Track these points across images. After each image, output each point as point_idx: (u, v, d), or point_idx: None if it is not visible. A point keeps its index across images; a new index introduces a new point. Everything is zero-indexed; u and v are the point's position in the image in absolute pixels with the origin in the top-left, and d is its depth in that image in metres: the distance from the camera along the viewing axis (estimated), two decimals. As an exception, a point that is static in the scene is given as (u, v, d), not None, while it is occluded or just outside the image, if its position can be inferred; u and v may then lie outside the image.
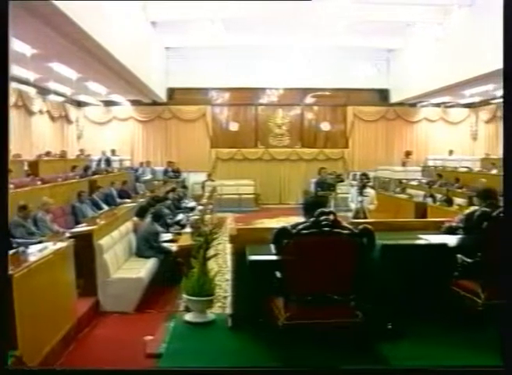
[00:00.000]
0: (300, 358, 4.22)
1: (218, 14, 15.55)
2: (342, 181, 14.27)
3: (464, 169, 18.32)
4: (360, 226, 4.14)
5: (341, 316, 4.18)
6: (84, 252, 6.34)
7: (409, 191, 16.02)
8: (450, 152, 21.80)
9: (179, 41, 19.28)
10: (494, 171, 16.55)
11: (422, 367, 3.89)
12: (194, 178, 20.51)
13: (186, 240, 8.88)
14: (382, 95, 22.74)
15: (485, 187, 6.11)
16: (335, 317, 4.17)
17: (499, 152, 20.21)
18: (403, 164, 21.73)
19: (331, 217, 4.02)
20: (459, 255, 4.56)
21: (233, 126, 21.63)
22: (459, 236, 4.85)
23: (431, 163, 21.34)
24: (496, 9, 13.86)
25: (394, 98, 22.34)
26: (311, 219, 4.03)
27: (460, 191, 14.15)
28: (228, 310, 5.76)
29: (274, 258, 4.18)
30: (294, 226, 4.05)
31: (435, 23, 17.26)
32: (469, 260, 4.44)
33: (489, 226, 4.19)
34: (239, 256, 5.03)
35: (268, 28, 17.86)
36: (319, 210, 4.02)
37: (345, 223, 4.27)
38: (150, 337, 5.15)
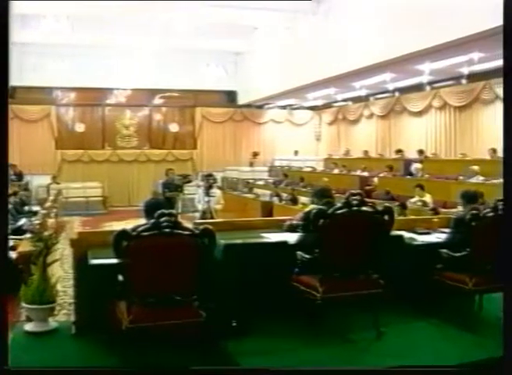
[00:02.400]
0: (145, 360, 4.17)
1: (64, 10, 15.01)
2: (189, 182, 14.31)
3: (309, 169, 19.04)
4: (202, 227, 4.16)
5: (185, 317, 4.18)
6: None
7: (256, 190, 16.37)
8: (296, 153, 22.53)
9: (19, 37, 18.36)
10: (336, 171, 17.38)
11: (422, 367, 3.99)
12: (38, 181, 19.59)
13: (26, 246, 8.46)
14: (230, 97, 23.07)
15: (322, 187, 6.39)
16: (178, 318, 4.16)
17: (340, 152, 21.26)
18: (251, 164, 22.17)
19: (172, 218, 4.00)
20: (299, 252, 4.71)
21: (79, 127, 20.99)
22: (299, 233, 5.01)
23: (277, 163, 21.96)
24: (338, 18, 14.57)
25: (242, 99, 22.74)
26: (151, 221, 4.00)
27: (304, 189, 14.68)
28: (72, 317, 5.57)
29: (115, 261, 4.09)
30: (134, 228, 3.99)
31: (281, 28, 17.78)
32: (308, 256, 4.60)
33: (325, 223, 4.37)
34: (81, 261, 4.87)
35: (116, 27, 17.55)
36: (159, 211, 3.99)
37: (186, 224, 4.28)
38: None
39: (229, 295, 4.62)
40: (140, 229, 3.98)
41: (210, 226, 4.19)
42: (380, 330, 4.71)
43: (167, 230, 3.98)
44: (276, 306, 4.88)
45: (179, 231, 4.03)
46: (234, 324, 4.73)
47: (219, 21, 17.25)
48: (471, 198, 5.62)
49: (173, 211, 4.15)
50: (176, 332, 4.31)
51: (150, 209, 4.36)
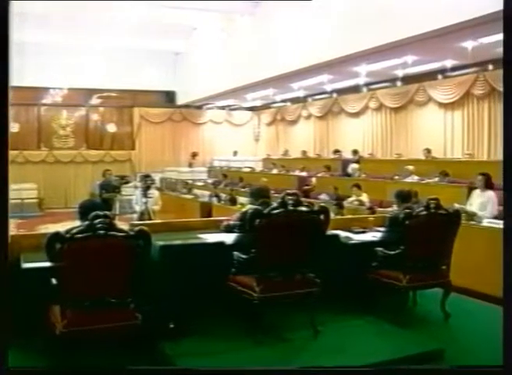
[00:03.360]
0: (81, 364, 4.09)
1: None
2: (127, 183, 14.15)
3: (248, 169, 19.08)
4: (137, 228, 4.11)
5: (120, 319, 4.12)
6: None
7: (195, 191, 16.31)
8: (235, 153, 22.58)
9: None
10: (274, 171, 17.47)
11: (422, 367, 4.01)
12: (-30, 183, 18.99)
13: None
14: (169, 97, 22.95)
15: (258, 187, 6.40)
16: (114, 321, 4.10)
17: (279, 153, 21.41)
18: (190, 165, 22.10)
19: (106, 220, 3.94)
20: (236, 253, 4.71)
21: (13, 127, 20.40)
22: (236, 234, 5.02)
23: (216, 164, 21.95)
24: (276, 19, 14.65)
25: (181, 100, 22.65)
26: (86, 223, 3.92)
27: (243, 190, 14.70)
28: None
29: (48, 264, 4.00)
30: (68, 230, 3.91)
31: (219, 29, 17.78)
32: (244, 256, 4.60)
33: (261, 223, 4.38)
34: (13, 265, 4.73)
35: (52, 25, 17.16)
36: (94, 213, 3.93)
37: (122, 226, 4.22)
38: None
39: (166, 297, 4.58)
40: (73, 231, 3.90)
41: (145, 228, 4.14)
42: (317, 328, 4.76)
43: (101, 231, 3.91)
44: (214, 307, 4.87)
45: (114, 233, 3.97)
46: (171, 326, 4.69)
47: (158, 21, 17.11)
48: (404, 197, 5.76)
49: (108, 212, 4.08)
50: (112, 335, 4.24)
51: (85, 211, 4.28)
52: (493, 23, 9.84)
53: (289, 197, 4.46)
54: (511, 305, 3.42)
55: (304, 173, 15.99)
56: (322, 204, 5.27)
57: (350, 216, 8.58)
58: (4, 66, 3.11)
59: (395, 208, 8.56)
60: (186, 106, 22.71)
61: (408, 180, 11.87)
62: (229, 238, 5.02)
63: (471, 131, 14.87)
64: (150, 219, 9.69)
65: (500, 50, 12.12)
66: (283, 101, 21.57)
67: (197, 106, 22.95)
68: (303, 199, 4.78)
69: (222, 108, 23.36)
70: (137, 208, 10.29)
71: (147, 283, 4.18)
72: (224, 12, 16.77)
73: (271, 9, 15.38)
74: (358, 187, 11.22)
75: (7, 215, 3.23)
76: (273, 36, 15.03)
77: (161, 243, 4.73)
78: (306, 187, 14.59)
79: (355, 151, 16.45)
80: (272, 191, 12.10)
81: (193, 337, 4.67)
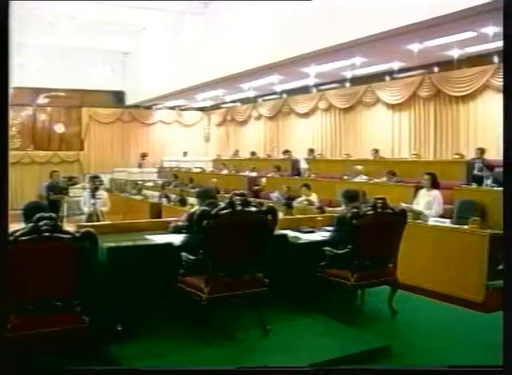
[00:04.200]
0: (28, 369, 4.01)
1: None
2: (75, 184, 13.94)
3: (198, 170, 19.03)
4: (83, 230, 4.05)
5: (67, 323, 4.05)
6: None
7: (145, 192, 16.17)
8: (185, 154, 22.48)
9: None
10: (225, 171, 17.46)
11: (422, 367, 3.96)
12: None
13: None
14: (118, 97, 22.69)
15: (205, 187, 6.41)
16: (60, 324, 4.03)
17: (229, 153, 21.41)
18: (140, 166, 21.90)
19: (51, 222, 3.87)
20: (184, 254, 4.69)
21: (-44, 128, 19.88)
22: (184, 235, 5.00)
23: (166, 164, 21.81)
24: (225, 20, 14.64)
25: (130, 100, 22.43)
26: (30, 225, 3.85)
27: (193, 190, 14.64)
28: None
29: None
30: (12, 232, 3.82)
31: (169, 29, 17.67)
32: (193, 257, 4.59)
33: (209, 224, 4.37)
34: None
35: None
36: (38, 215, 3.86)
37: (68, 228, 4.16)
38: None
39: (113, 299, 4.53)
40: (17, 233, 3.82)
41: (91, 230, 4.08)
42: (266, 327, 4.78)
43: (46, 233, 3.84)
44: (163, 308, 4.85)
45: (59, 235, 3.90)
46: (119, 328, 4.64)
47: (106, 20, 16.90)
48: (352, 196, 5.82)
49: (53, 214, 4.01)
50: (59, 339, 4.17)
51: (29, 213, 4.20)
52: (438, 26, 10.07)
53: (237, 197, 4.47)
54: (511, 306, 3.42)
55: (254, 174, 16.02)
56: (270, 204, 5.29)
57: (299, 216, 8.64)
58: (4, 66, 3.05)
59: (343, 207, 8.67)
60: (136, 106, 22.51)
61: (357, 179, 12.02)
62: (177, 239, 5.00)
63: (417, 132, 15.16)
64: (98, 220, 9.57)
65: (445, 53, 12.45)
66: (233, 101, 21.59)
67: (147, 106, 22.78)
68: (253, 199, 4.80)
69: (172, 108, 23.24)
70: (86, 209, 10.16)
71: (95, 285, 4.13)
72: (174, 12, 16.68)
73: (221, 9, 15.38)
74: (308, 187, 11.31)
75: (7, 214, 3.17)
76: (223, 36, 15.02)
77: (108, 245, 4.68)
78: (256, 188, 14.64)
79: (311, 150, 16.59)
80: (223, 192, 12.20)
81: (142, 339, 4.64)
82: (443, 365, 3.92)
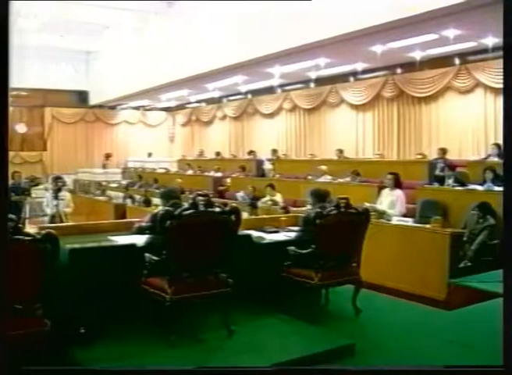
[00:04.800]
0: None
1: None
2: (37, 185, 13.76)
3: (162, 170, 18.94)
4: (44, 232, 3.99)
5: (28, 327, 3.98)
6: None
7: (109, 192, 16.05)
8: (150, 154, 22.36)
9: None
10: (190, 172, 17.41)
11: (422, 367, 3.90)
12: None
13: None
14: (82, 97, 22.48)
15: (169, 188, 6.38)
16: (20, 328, 3.95)
17: (194, 153, 21.36)
18: (104, 166, 21.74)
19: (11, 223, 3.80)
20: (147, 254, 4.66)
21: None
22: (147, 235, 4.96)
23: (131, 165, 21.67)
24: (190, 20, 14.63)
25: (93, 100, 22.23)
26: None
27: (157, 191, 14.55)
28: None
29: None
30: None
31: (133, 28, 17.56)
32: (156, 258, 4.56)
33: (172, 224, 4.35)
34: None
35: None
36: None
37: (30, 229, 4.10)
38: None
39: (76, 301, 4.48)
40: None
41: (53, 231, 4.02)
42: (231, 328, 4.77)
43: (6, 235, 3.78)
44: (127, 310, 4.80)
45: (19, 237, 3.84)
46: (83, 331, 4.58)
47: (69, 18, 16.70)
48: (321, 196, 5.79)
49: (13, 216, 3.94)
50: (20, 343, 4.10)
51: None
52: (400, 28, 10.20)
53: (200, 198, 4.46)
54: (511, 305, 3.45)
55: (219, 174, 16.01)
56: (234, 204, 5.29)
57: (263, 216, 8.66)
58: (4, 66, 3.00)
59: (308, 207, 8.73)
60: (100, 106, 22.32)
61: (321, 179, 12.09)
62: (140, 240, 4.96)
63: (381, 132, 15.33)
64: (61, 222, 9.47)
65: (407, 55, 12.63)
66: (198, 101, 21.56)
67: (111, 106, 22.61)
68: (218, 200, 4.79)
69: (137, 108, 23.12)
70: (48, 210, 10.04)
71: (57, 288, 4.08)
72: (137, 12, 16.58)
73: (185, 9, 15.34)
74: (272, 187, 11.34)
75: (7, 214, 3.11)
76: (188, 36, 14.98)
77: (70, 246, 4.62)
78: (221, 188, 14.64)
79: (274, 151, 16.62)
80: (187, 192, 12.15)
81: (106, 341, 4.59)
82: (440, 365, 3.90)
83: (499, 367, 3.34)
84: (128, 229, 5.63)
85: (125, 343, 4.61)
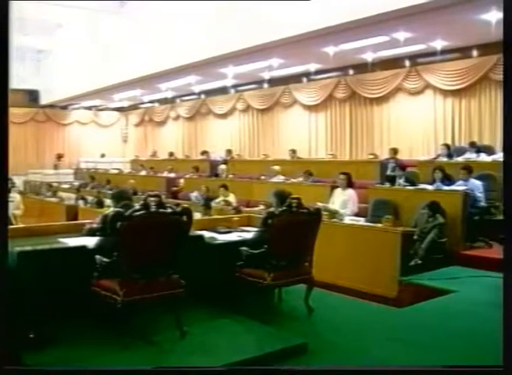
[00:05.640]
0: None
1: None
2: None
3: (115, 171, 18.75)
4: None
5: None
6: None
7: (61, 194, 15.80)
8: (102, 155, 22.11)
9: None
10: (143, 172, 17.27)
11: (422, 367, 3.90)
12: None
13: None
14: (32, 96, 22.08)
15: (120, 189, 6.33)
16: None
17: (147, 154, 21.21)
18: (55, 167, 21.40)
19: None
20: (98, 256, 4.61)
21: None
22: (98, 237, 4.91)
23: (83, 166, 21.39)
24: (143, 19, 14.51)
25: (44, 99, 21.87)
26: None
27: (110, 192, 14.39)
28: None
29: None
30: None
31: (85, 27, 17.34)
32: (107, 260, 4.51)
33: (122, 226, 4.31)
34: None
35: None
36: None
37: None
38: None
39: (25, 305, 4.40)
40: None
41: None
42: (183, 329, 4.75)
43: None
44: (78, 313, 4.74)
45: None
46: (32, 336, 4.51)
47: (20, 16, 16.36)
48: (284, 197, 5.73)
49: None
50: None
51: None
52: (352, 30, 10.33)
53: (152, 198, 4.44)
54: (511, 305, 3.48)
55: (172, 175, 15.93)
56: (185, 205, 5.27)
57: (216, 217, 8.65)
58: (4, 67, 2.93)
59: (261, 207, 8.76)
60: (51, 106, 21.97)
61: (274, 180, 12.14)
62: (91, 242, 4.90)
63: (333, 132, 15.49)
64: (11, 224, 9.29)
65: (359, 56, 12.82)
66: (151, 101, 21.43)
67: (62, 106, 22.27)
68: (172, 200, 4.76)
69: (89, 108, 22.85)
70: (-3, 212, 9.83)
71: (4, 292, 3.99)
72: (90, 10, 16.37)
73: (138, 9, 15.23)
74: (225, 187, 11.33)
75: (7, 213, 3.03)
76: (140, 36, 14.88)
77: (19, 249, 4.54)
78: (175, 189, 14.57)
79: (229, 151, 16.62)
80: (140, 193, 12.05)
81: (57, 346, 4.52)
82: (438, 365, 3.97)
83: (499, 367, 3.38)
84: (79, 231, 5.56)
85: (76, 346, 4.55)
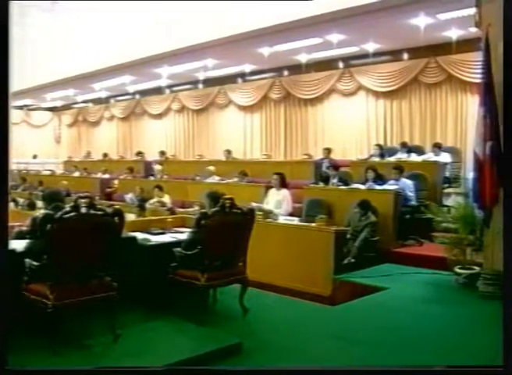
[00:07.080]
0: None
1: None
2: None
3: (48, 172, 18.34)
4: None
5: None
6: None
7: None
8: (35, 156, 21.61)
9: None
10: (76, 173, 16.95)
11: (422, 367, 3.86)
12: None
13: None
14: (-42, 95, 21.33)
15: (50, 190, 6.20)
16: None
17: (81, 155, 20.84)
18: (-16, 169, 20.72)
19: None
20: (27, 260, 4.50)
21: None
22: (28, 240, 4.79)
23: (14, 167, 20.78)
24: (75, 18, 14.23)
25: (-29, 98, 21.17)
26: None
27: (42, 194, 14.06)
28: None
29: None
30: None
31: (14, 23, 16.86)
32: (37, 263, 4.41)
33: (52, 228, 4.23)
34: None
35: None
36: None
37: None
38: None
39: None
40: None
41: None
42: (117, 332, 4.69)
43: None
44: (7, 319, 4.61)
45: None
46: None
47: None
48: (217, 198, 5.71)
49: None
50: None
51: None
52: (286, 32, 10.43)
53: (82, 200, 4.37)
54: (511, 305, 3.50)
55: (106, 176, 15.70)
56: (117, 206, 5.21)
57: (150, 218, 8.57)
58: (4, 66, 2.79)
59: (196, 208, 8.74)
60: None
61: (209, 180, 12.13)
62: (20, 245, 4.78)
63: (268, 133, 15.59)
64: None
65: (294, 57, 12.95)
66: (85, 101, 21.08)
67: (-9, 106, 21.64)
68: (106, 202, 4.69)
69: (20, 108, 22.25)
70: None
71: None
72: (21, 6, 15.93)
73: (70, 8, 14.93)
74: (160, 188, 11.25)
75: (7, 213, 2.90)
76: (73, 35, 14.61)
77: None
78: (109, 190, 14.37)
79: (162, 152, 16.48)
80: (74, 195, 11.81)
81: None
82: (439, 365, 3.95)
83: (499, 367, 3.42)
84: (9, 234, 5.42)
85: (6, 352, 4.43)
